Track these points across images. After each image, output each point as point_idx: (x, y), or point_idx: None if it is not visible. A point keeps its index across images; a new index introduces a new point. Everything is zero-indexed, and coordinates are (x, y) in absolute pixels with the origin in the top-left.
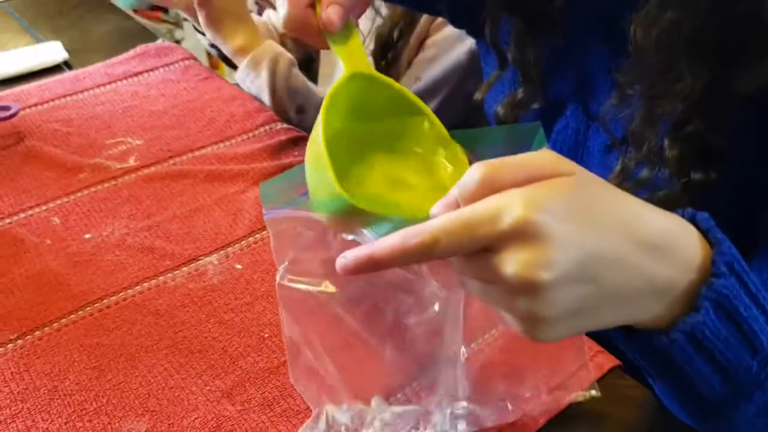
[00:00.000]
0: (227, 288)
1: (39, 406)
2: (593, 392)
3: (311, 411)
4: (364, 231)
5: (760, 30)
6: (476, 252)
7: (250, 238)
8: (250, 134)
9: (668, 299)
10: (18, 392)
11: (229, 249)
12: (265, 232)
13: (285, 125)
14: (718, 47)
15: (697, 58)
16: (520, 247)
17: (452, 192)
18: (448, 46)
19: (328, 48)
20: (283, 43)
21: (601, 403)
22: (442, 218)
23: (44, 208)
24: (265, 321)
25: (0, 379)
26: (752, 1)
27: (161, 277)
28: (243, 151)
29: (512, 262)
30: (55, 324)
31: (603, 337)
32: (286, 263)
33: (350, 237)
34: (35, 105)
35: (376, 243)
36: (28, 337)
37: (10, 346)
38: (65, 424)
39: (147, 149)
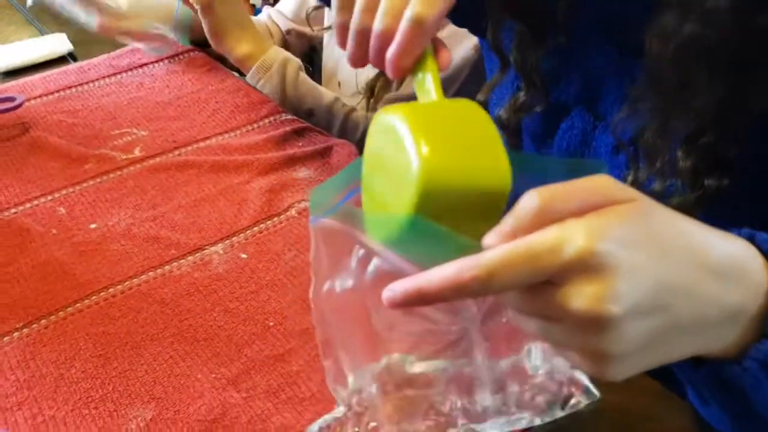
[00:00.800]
0: (232, 277)
1: (45, 394)
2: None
3: (316, 398)
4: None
5: None
6: (535, 287)
7: (255, 228)
8: (255, 125)
9: (739, 326)
10: (24, 380)
11: (234, 238)
12: (269, 221)
13: (289, 116)
14: (736, 61)
15: (714, 72)
16: (585, 280)
17: (506, 221)
18: (455, 41)
19: None
20: (285, 41)
21: None
22: (497, 249)
23: (50, 198)
24: (269, 309)
25: (6, 367)
26: None
27: (167, 267)
28: (247, 141)
29: (578, 296)
30: (61, 312)
31: None
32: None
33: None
34: (40, 96)
35: (425, 275)
36: (34, 325)
37: (16, 334)
38: (71, 411)
39: (152, 140)
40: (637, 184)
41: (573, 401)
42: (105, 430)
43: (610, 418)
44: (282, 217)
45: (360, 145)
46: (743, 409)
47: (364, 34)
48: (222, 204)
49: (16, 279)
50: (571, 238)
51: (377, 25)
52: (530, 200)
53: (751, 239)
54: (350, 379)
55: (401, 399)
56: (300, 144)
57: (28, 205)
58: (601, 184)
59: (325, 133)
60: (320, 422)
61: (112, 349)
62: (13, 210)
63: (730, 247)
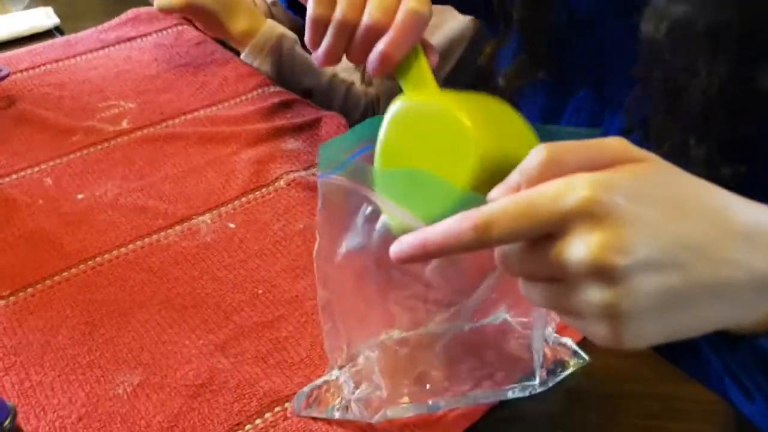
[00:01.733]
0: (220, 246)
1: (32, 360)
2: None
3: (305, 363)
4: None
5: None
6: (537, 242)
7: (243, 198)
8: (243, 97)
9: None
10: (11, 346)
11: (222, 209)
12: (258, 192)
13: (278, 88)
14: (739, 41)
15: (714, 53)
16: (588, 229)
17: (513, 175)
18: (449, 12)
19: None
20: (271, 14)
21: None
22: (498, 201)
23: (36, 169)
24: (258, 278)
25: None
26: None
27: (154, 236)
28: (236, 113)
29: (580, 246)
30: (48, 281)
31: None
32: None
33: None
34: (26, 69)
35: (430, 229)
36: (21, 293)
37: (2, 302)
38: (58, 376)
39: (140, 112)
40: None
41: (562, 368)
42: (92, 395)
43: (598, 381)
44: (270, 188)
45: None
46: None
47: (347, 27)
48: (210, 175)
49: (3, 248)
50: (574, 187)
51: (367, 18)
52: (538, 153)
53: None
54: (345, 346)
55: (395, 365)
56: (288, 116)
57: (14, 176)
58: (614, 143)
59: (314, 105)
60: (311, 385)
61: (99, 316)
62: None
63: (754, 212)
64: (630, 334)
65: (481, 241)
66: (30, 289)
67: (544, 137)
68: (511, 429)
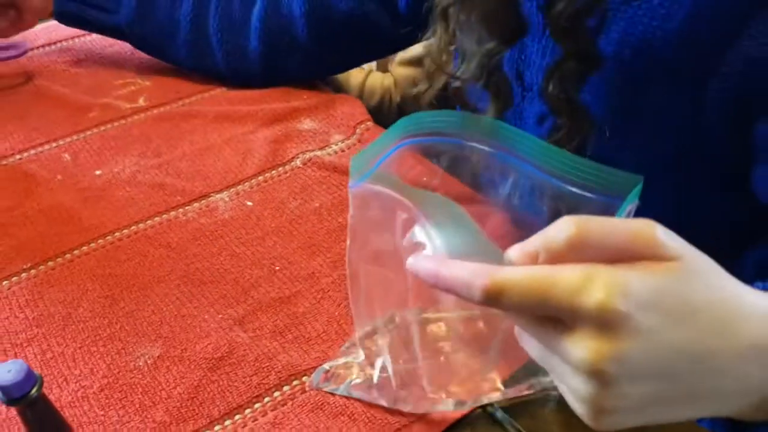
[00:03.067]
0: (238, 223)
1: (54, 332)
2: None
3: (321, 338)
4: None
5: None
6: (545, 318)
7: (260, 177)
8: None
9: (759, 397)
10: (33, 318)
11: (239, 186)
12: (274, 171)
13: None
14: None
15: None
16: (594, 333)
17: (535, 240)
18: None
19: None
20: None
21: None
22: (516, 271)
23: (54, 145)
24: (275, 254)
25: (15, 305)
26: None
27: (172, 212)
28: (252, 93)
29: (582, 347)
30: (68, 255)
31: None
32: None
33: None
34: (43, 46)
35: (445, 264)
36: (41, 267)
37: (24, 275)
38: (80, 348)
39: (156, 90)
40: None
41: None
42: (114, 366)
43: None
44: (287, 166)
45: (377, 108)
46: None
47: None
48: (227, 153)
49: (23, 222)
50: (593, 287)
51: None
52: (566, 227)
53: None
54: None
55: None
56: (305, 96)
57: (32, 151)
58: (647, 234)
59: (330, 87)
60: (331, 363)
61: (119, 290)
62: (17, 156)
63: (761, 324)
64: (605, 424)
65: (487, 301)
66: (50, 263)
67: (584, 172)
68: (527, 412)
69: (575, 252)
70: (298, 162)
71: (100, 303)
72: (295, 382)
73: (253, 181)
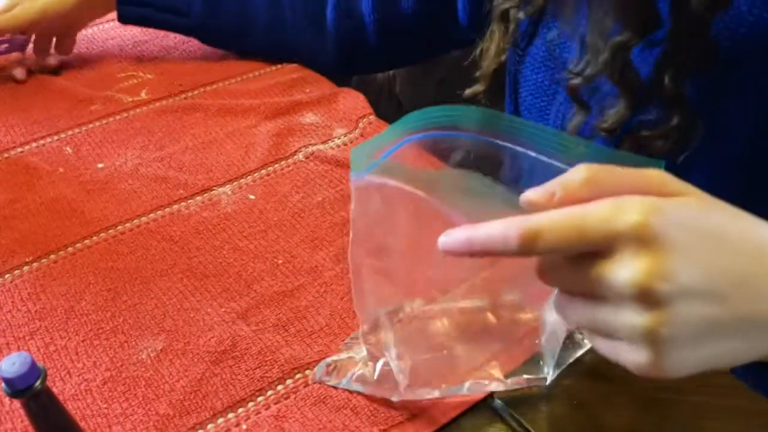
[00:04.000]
0: (241, 217)
1: (56, 325)
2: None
3: (324, 332)
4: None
5: None
6: (582, 257)
7: (263, 171)
8: (262, 71)
9: None
10: (36, 311)
11: (242, 180)
12: (277, 164)
13: (296, 63)
14: None
15: None
16: (635, 253)
17: (552, 182)
18: None
19: None
20: None
21: None
22: (547, 213)
23: (56, 138)
24: (278, 248)
25: (18, 299)
26: None
27: (175, 206)
28: (255, 87)
29: (626, 268)
30: (70, 248)
31: None
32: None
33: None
34: None
35: (474, 228)
36: (44, 260)
37: (26, 268)
38: (82, 341)
39: (158, 83)
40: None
41: (574, 347)
42: (116, 360)
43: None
44: (289, 160)
45: (378, 98)
46: None
47: None
48: (229, 147)
49: (25, 215)
50: (626, 210)
51: None
52: (579, 170)
53: None
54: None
55: (414, 340)
56: (307, 90)
57: (34, 144)
58: (655, 172)
59: (332, 81)
60: (334, 357)
61: (121, 283)
62: (19, 149)
63: None
64: (669, 362)
65: (525, 249)
66: (53, 256)
67: (602, 159)
68: (527, 403)
69: (590, 189)
70: (300, 156)
71: (103, 296)
72: (297, 376)
73: (255, 174)
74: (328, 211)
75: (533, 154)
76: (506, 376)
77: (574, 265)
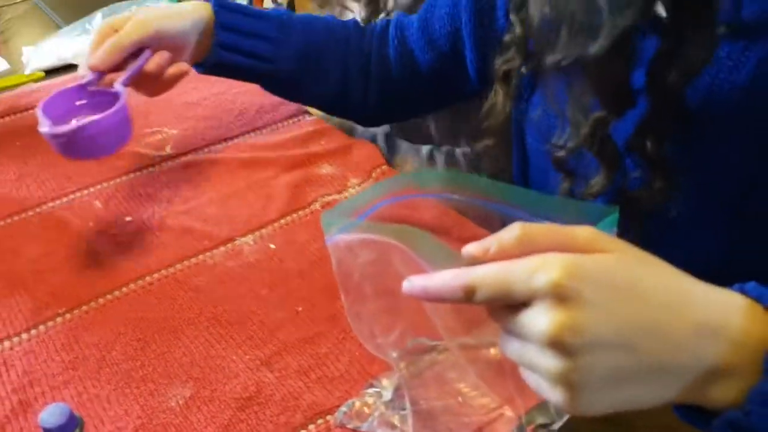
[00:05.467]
0: (262, 266)
1: (89, 374)
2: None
3: (344, 378)
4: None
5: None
6: (513, 306)
7: (282, 220)
8: (279, 124)
9: (721, 377)
10: (69, 361)
11: (263, 230)
12: (295, 214)
13: (311, 117)
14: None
15: None
16: (550, 308)
17: (489, 238)
18: None
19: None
20: None
21: None
22: (483, 268)
23: (86, 192)
24: (298, 296)
25: (52, 349)
26: None
27: (200, 256)
28: (273, 140)
29: (542, 319)
30: (101, 299)
31: None
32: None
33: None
34: None
35: (430, 277)
36: (76, 311)
37: (59, 319)
38: (114, 390)
39: (182, 138)
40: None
41: None
42: (147, 407)
43: None
44: (307, 210)
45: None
46: None
47: None
48: (251, 198)
49: (57, 268)
50: (545, 268)
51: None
52: (513, 229)
53: (741, 291)
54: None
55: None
56: (322, 142)
57: (65, 199)
58: (585, 233)
59: (346, 133)
60: (354, 400)
61: (150, 333)
62: (51, 203)
63: (715, 304)
64: (582, 402)
65: (467, 299)
66: (84, 307)
67: (534, 204)
68: None
69: (522, 245)
70: (317, 205)
71: (133, 345)
72: (319, 421)
73: (275, 224)
74: None
75: (494, 205)
76: (519, 420)
77: (509, 310)
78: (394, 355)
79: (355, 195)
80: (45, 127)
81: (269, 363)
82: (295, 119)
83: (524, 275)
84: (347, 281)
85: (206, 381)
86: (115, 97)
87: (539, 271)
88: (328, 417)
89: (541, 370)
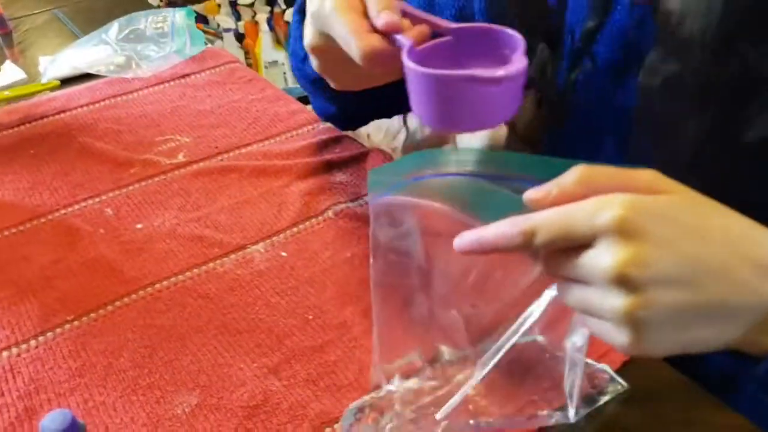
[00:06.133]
0: (273, 274)
1: (96, 381)
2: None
3: (353, 386)
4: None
5: (761, 83)
6: (573, 249)
7: (294, 228)
8: (294, 132)
9: None
10: (76, 368)
11: (274, 238)
12: (308, 222)
13: (327, 125)
14: (723, 97)
15: (700, 106)
16: (615, 243)
17: (549, 183)
18: None
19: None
20: None
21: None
22: (543, 212)
23: (97, 200)
24: (309, 304)
25: (59, 356)
26: (751, 57)
27: (210, 264)
28: (287, 148)
29: (607, 256)
30: (109, 306)
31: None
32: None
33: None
34: (86, 105)
35: (485, 228)
36: (84, 318)
37: (67, 326)
38: (120, 397)
39: (195, 146)
40: None
41: (599, 394)
42: (153, 415)
43: (640, 406)
44: (320, 218)
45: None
46: None
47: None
48: (263, 206)
49: (66, 275)
50: (608, 206)
51: None
52: (574, 171)
53: None
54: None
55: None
56: (337, 150)
57: (76, 206)
58: (646, 173)
59: (360, 142)
60: (359, 402)
61: (158, 340)
62: (62, 211)
63: None
64: (647, 342)
65: (526, 244)
66: (93, 314)
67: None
68: None
69: (583, 187)
70: (330, 213)
71: (140, 353)
72: (327, 430)
73: (287, 232)
74: (357, 267)
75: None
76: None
77: (568, 255)
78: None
79: (401, 158)
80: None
81: (277, 371)
82: (310, 127)
83: (587, 214)
84: (378, 243)
85: (213, 389)
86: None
87: (603, 209)
88: (336, 426)
89: (605, 312)
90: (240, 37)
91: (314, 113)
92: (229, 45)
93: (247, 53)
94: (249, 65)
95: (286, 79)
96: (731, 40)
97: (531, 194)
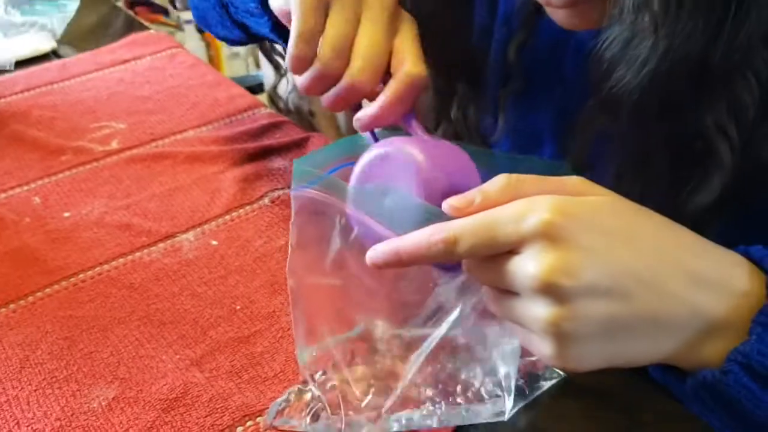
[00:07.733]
0: (201, 263)
1: (9, 374)
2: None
3: (279, 378)
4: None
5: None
6: (499, 256)
7: (227, 216)
8: (233, 118)
9: (722, 339)
10: None
11: (205, 226)
12: (242, 209)
13: (268, 110)
14: (659, 161)
15: (634, 169)
16: (542, 249)
17: (473, 190)
18: None
19: None
20: None
21: None
22: (464, 218)
23: (25, 188)
24: (237, 294)
25: None
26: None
27: (137, 253)
28: (225, 134)
29: (533, 263)
30: (30, 297)
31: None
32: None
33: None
34: (21, 92)
35: (402, 239)
36: (3, 309)
37: None
38: (35, 391)
39: (130, 133)
40: None
41: (536, 382)
42: (67, 409)
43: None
44: (255, 205)
45: None
46: (741, 423)
47: (327, 78)
48: (195, 193)
49: None
50: (534, 210)
51: (350, 78)
52: (498, 179)
53: (745, 253)
54: (312, 349)
55: (368, 374)
56: (277, 135)
57: (3, 195)
58: (574, 180)
59: (302, 127)
60: (284, 396)
61: (78, 332)
62: None
63: (714, 256)
64: (572, 355)
65: (448, 253)
66: (12, 305)
67: (510, 166)
68: None
69: (508, 194)
70: (266, 200)
71: (59, 345)
72: (248, 423)
73: (219, 220)
74: None
75: None
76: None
77: (493, 262)
78: (332, 344)
79: (326, 147)
80: None
81: (200, 363)
82: (251, 112)
83: (512, 218)
84: (300, 242)
85: (132, 381)
86: None
87: (529, 212)
88: (258, 419)
89: (531, 321)
90: (201, 29)
91: (256, 99)
92: (191, 37)
93: (208, 45)
94: (210, 57)
95: (247, 67)
96: (666, 101)
97: (453, 202)
